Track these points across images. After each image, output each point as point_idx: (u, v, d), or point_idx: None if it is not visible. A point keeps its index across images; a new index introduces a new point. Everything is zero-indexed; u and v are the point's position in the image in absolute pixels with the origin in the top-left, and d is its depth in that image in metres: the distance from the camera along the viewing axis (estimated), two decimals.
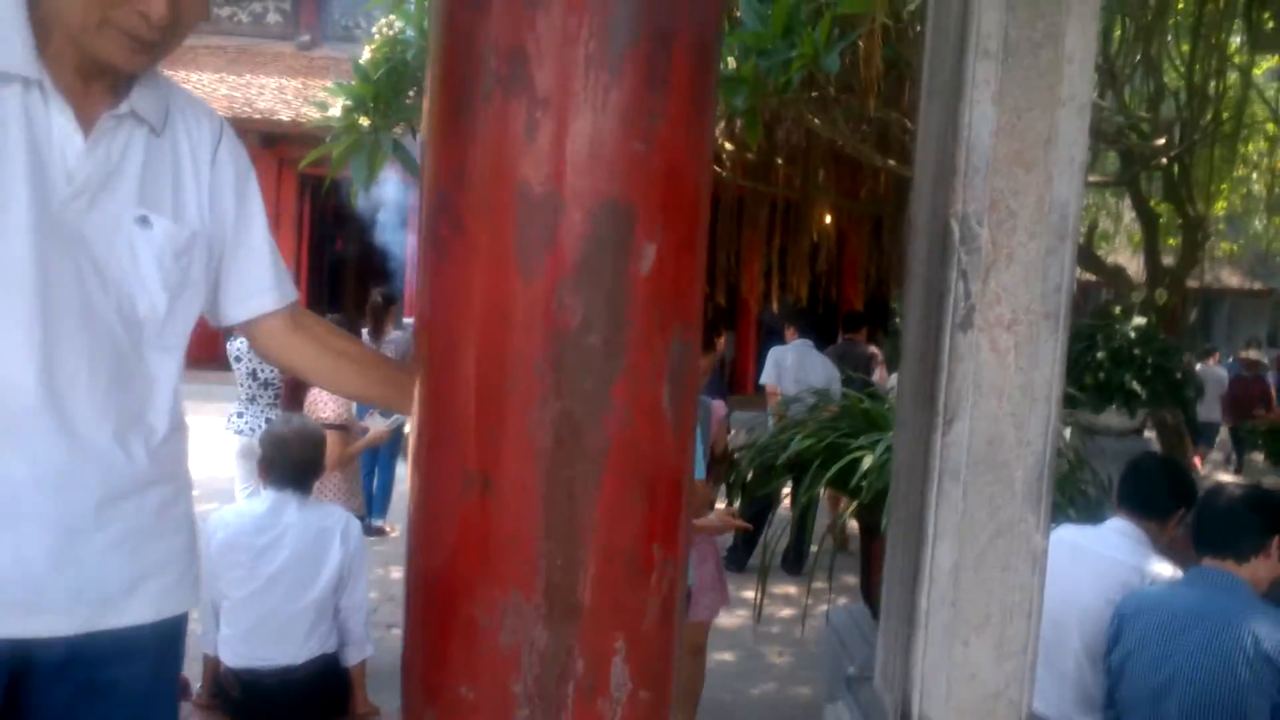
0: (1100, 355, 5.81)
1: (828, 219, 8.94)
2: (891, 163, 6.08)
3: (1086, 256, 7.59)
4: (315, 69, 13.97)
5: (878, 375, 6.88)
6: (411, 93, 4.85)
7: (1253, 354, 10.48)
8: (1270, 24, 6.82)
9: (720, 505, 3.83)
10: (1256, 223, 17.35)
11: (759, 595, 3.89)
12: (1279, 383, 13.29)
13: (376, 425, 4.64)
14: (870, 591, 3.57)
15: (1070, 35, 1.82)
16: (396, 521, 6.14)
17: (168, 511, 1.28)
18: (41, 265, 1.12)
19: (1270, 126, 10.10)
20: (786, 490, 4.63)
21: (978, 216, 1.89)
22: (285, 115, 12.38)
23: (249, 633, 2.75)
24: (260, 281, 1.38)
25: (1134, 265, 12.63)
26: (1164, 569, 2.70)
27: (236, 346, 4.76)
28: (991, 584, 2.00)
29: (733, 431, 5.00)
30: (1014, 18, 1.81)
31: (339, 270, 16.07)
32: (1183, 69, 7.30)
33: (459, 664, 1.20)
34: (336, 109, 4.91)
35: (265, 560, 2.76)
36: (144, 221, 1.20)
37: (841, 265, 10.53)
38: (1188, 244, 7.97)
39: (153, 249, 1.19)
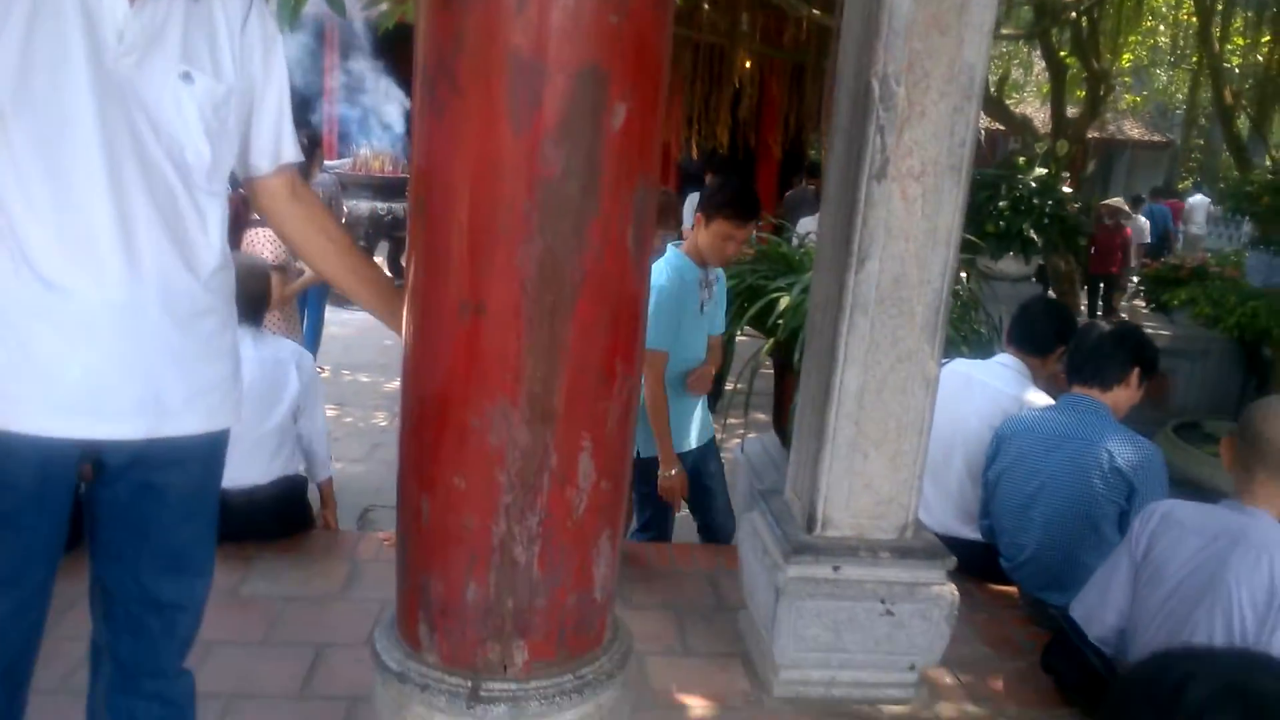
0: (1002, 204, 6.03)
1: (749, 65, 8.90)
2: (816, 12, 6.13)
3: (995, 106, 7.75)
4: None
5: None
6: None
7: (1114, 202, 10.26)
8: None
9: None
10: (1161, 74, 17.70)
11: None
12: (1174, 230, 13.58)
13: None
14: (781, 422, 3.83)
15: None
16: (324, 364, 6.23)
17: (216, 339, 1.45)
18: (101, 115, 1.24)
19: None
20: None
21: (896, 76, 2.06)
22: None
23: None
24: (268, 144, 1.49)
25: (1042, 116, 12.84)
26: (1040, 398, 3.00)
27: None
28: (891, 405, 2.26)
29: None
30: None
31: None
32: None
33: (452, 460, 1.43)
34: None
35: None
36: (187, 77, 1.31)
37: (761, 112, 10.49)
38: (1091, 96, 8.23)
39: (195, 102, 1.31)
